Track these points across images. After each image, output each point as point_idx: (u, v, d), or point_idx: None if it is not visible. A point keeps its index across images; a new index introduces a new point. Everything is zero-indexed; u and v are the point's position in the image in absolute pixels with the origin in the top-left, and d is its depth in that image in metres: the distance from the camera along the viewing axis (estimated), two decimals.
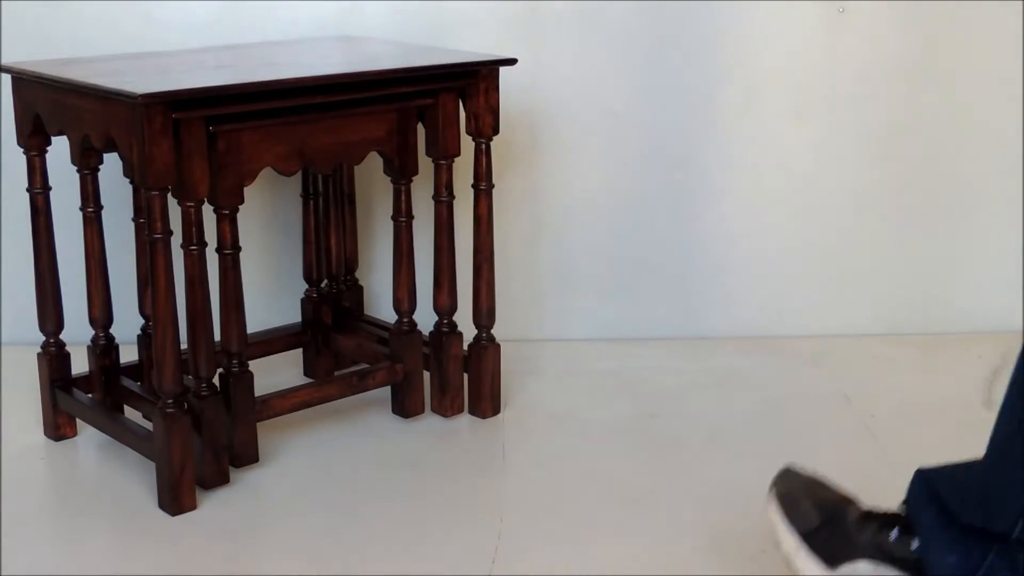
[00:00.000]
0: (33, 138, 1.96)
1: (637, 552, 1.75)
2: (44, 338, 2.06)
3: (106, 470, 2.00)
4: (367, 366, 2.17)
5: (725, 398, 2.27)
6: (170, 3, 2.40)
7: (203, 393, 1.89)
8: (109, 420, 2.00)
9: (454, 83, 2.02)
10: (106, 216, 2.03)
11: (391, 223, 2.09)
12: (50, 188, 1.99)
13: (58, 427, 2.08)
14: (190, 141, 1.77)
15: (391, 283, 2.13)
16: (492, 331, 2.16)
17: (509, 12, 2.43)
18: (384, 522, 1.83)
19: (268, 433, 2.06)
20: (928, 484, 1.46)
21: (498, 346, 2.15)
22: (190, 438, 1.85)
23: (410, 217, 2.09)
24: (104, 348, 2.07)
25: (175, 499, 1.84)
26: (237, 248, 1.89)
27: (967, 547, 1.39)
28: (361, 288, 2.38)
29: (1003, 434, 1.37)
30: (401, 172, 2.04)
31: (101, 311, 2.05)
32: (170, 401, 1.83)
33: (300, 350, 2.36)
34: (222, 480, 1.92)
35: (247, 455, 1.96)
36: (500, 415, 2.17)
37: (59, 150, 1.98)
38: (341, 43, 2.28)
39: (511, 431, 2.12)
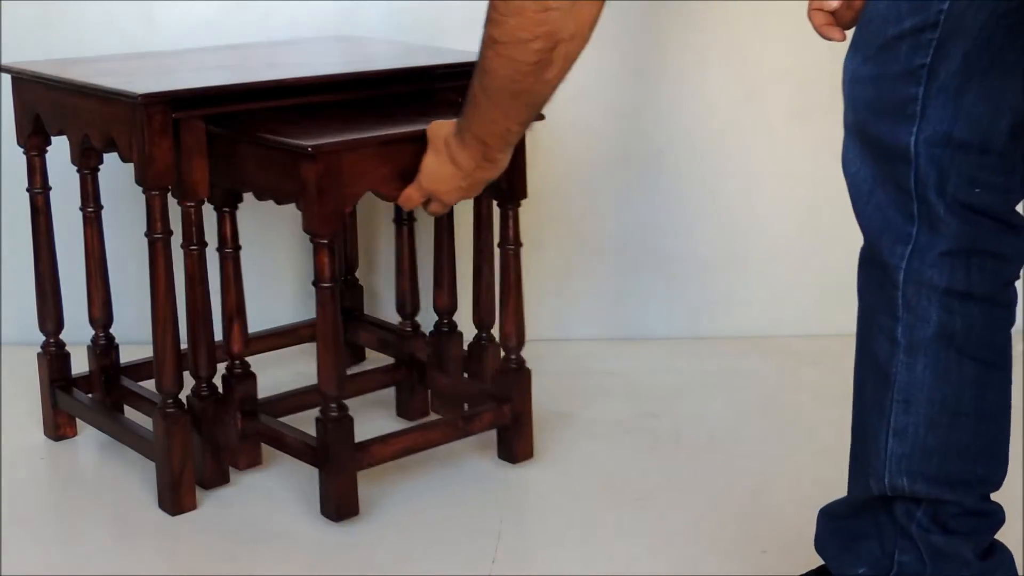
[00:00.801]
0: (33, 138, 1.96)
1: (637, 552, 1.75)
2: (44, 338, 2.06)
3: (106, 470, 2.00)
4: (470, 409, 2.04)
5: (725, 398, 2.27)
6: (170, 3, 2.40)
7: (203, 393, 1.89)
8: (109, 420, 2.00)
9: (454, 83, 2.02)
10: (106, 216, 2.03)
11: (393, 226, 2.08)
12: (50, 188, 1.99)
13: (58, 427, 2.08)
14: (190, 141, 1.77)
15: (392, 285, 2.12)
16: (492, 331, 2.16)
17: None
18: (383, 522, 1.83)
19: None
20: (826, 517, 1.49)
21: (498, 346, 2.15)
22: (190, 438, 1.85)
23: (518, 245, 1.95)
24: (104, 348, 2.07)
25: (175, 499, 1.84)
26: (336, 280, 1.73)
27: (870, 555, 1.41)
28: (361, 288, 2.38)
29: (857, 411, 1.45)
30: (510, 195, 1.95)
31: (101, 311, 2.05)
32: (170, 401, 1.83)
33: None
34: (222, 480, 1.92)
35: (347, 506, 1.81)
36: None
37: (59, 150, 1.98)
38: (341, 43, 2.28)
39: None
